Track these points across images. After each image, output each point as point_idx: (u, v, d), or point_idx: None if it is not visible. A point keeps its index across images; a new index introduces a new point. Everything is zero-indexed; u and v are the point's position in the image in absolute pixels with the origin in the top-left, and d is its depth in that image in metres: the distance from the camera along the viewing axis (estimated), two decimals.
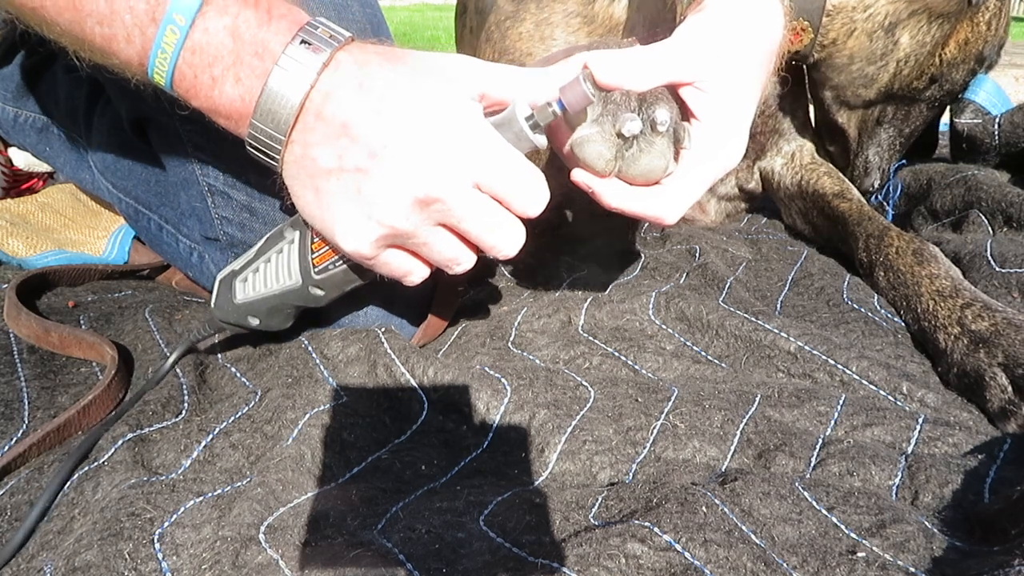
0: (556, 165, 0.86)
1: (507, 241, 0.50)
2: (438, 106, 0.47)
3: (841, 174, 0.93)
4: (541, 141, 0.50)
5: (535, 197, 0.50)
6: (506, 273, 0.82)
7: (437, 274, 0.55)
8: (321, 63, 0.45)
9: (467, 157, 0.47)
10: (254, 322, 0.59)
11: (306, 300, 0.57)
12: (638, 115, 0.52)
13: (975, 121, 0.93)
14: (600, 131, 0.52)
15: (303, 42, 0.45)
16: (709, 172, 0.56)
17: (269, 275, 0.57)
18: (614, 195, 0.54)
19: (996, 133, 0.91)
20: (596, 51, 0.53)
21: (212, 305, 0.59)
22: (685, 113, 0.55)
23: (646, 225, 0.94)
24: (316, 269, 0.55)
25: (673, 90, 0.55)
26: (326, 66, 0.46)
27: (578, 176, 0.55)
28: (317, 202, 0.49)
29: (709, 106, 0.54)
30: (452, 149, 0.47)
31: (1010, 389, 0.56)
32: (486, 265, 0.82)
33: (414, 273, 0.53)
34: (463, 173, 0.47)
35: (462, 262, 0.52)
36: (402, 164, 0.46)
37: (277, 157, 0.48)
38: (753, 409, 0.54)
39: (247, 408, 0.55)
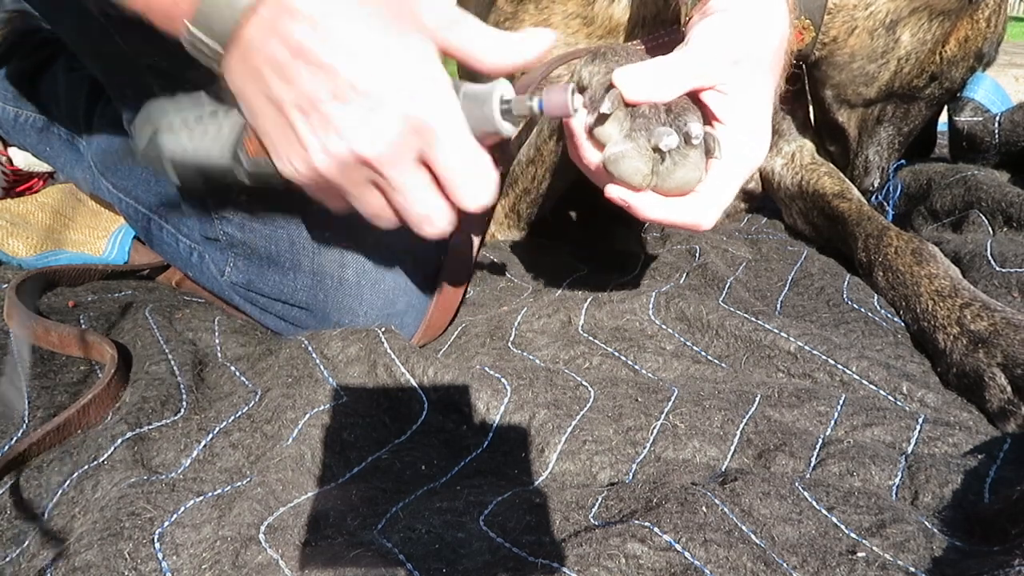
0: (560, 166, 0.86)
1: (432, 227, 0.49)
2: (402, 61, 0.44)
3: (841, 174, 0.93)
4: (506, 129, 0.48)
5: (480, 192, 0.47)
6: (506, 273, 0.82)
7: (442, 273, 0.54)
8: None
9: (421, 134, 0.45)
10: (168, 169, 0.54)
11: (227, 179, 0.54)
12: (671, 127, 0.52)
13: (975, 119, 0.92)
14: (635, 147, 0.52)
15: None
16: (738, 173, 0.56)
17: (197, 137, 0.53)
18: (651, 207, 0.54)
19: (996, 131, 0.91)
20: (622, 68, 0.53)
21: (136, 141, 0.55)
22: (707, 116, 0.56)
23: (646, 225, 0.94)
24: (247, 159, 0.52)
25: (694, 95, 0.55)
26: None
27: (613, 192, 0.54)
28: (256, 118, 0.47)
29: (731, 108, 0.55)
30: (407, 119, 0.44)
31: (1009, 389, 0.56)
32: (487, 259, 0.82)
33: (345, 207, 0.51)
34: (412, 148, 0.45)
35: (383, 221, 0.50)
36: (348, 119, 0.44)
37: (217, 66, 0.45)
38: (753, 409, 0.54)
39: (247, 408, 0.55)
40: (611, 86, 0.53)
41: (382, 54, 0.43)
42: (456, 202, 0.48)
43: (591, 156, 0.55)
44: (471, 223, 0.69)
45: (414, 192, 0.47)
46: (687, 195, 0.55)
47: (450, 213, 0.49)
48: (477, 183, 0.47)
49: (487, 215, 0.70)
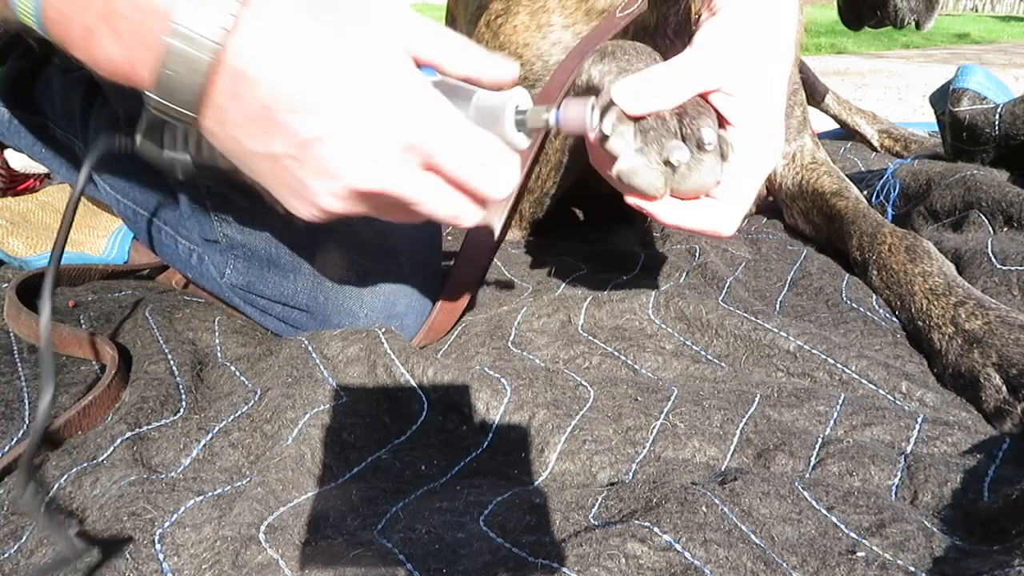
0: (564, 165, 0.86)
1: (466, 221, 0.46)
2: (377, 78, 0.40)
3: (840, 173, 0.93)
4: (520, 143, 0.45)
5: (500, 181, 0.44)
6: (506, 273, 0.82)
7: (452, 275, 0.53)
8: (223, 28, 0.37)
9: (417, 151, 0.42)
10: (168, 163, 0.50)
11: (230, 175, 0.49)
12: (681, 137, 0.51)
13: (976, 108, 0.92)
14: (646, 161, 0.52)
15: None
16: (755, 175, 0.56)
17: (196, 132, 0.46)
18: (670, 213, 0.54)
19: (996, 123, 0.91)
20: (619, 83, 0.53)
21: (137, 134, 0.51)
22: (718, 118, 0.55)
23: (646, 224, 0.94)
24: None
25: (702, 97, 0.55)
26: (230, 32, 0.37)
27: (631, 201, 0.55)
28: (252, 172, 0.44)
29: (741, 109, 0.54)
30: (397, 144, 0.41)
31: (1004, 390, 0.56)
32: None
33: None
34: (413, 164, 0.42)
35: (417, 220, 0.47)
36: (339, 158, 0.41)
37: (192, 126, 0.42)
38: (753, 409, 0.54)
39: (247, 407, 0.55)
40: (611, 103, 0.52)
41: (356, 85, 0.40)
42: (481, 196, 0.45)
43: (607, 165, 0.54)
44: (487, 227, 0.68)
45: (432, 200, 0.44)
46: (707, 199, 0.55)
47: (475, 204, 0.46)
48: (492, 176, 0.44)
49: (505, 225, 0.69)
